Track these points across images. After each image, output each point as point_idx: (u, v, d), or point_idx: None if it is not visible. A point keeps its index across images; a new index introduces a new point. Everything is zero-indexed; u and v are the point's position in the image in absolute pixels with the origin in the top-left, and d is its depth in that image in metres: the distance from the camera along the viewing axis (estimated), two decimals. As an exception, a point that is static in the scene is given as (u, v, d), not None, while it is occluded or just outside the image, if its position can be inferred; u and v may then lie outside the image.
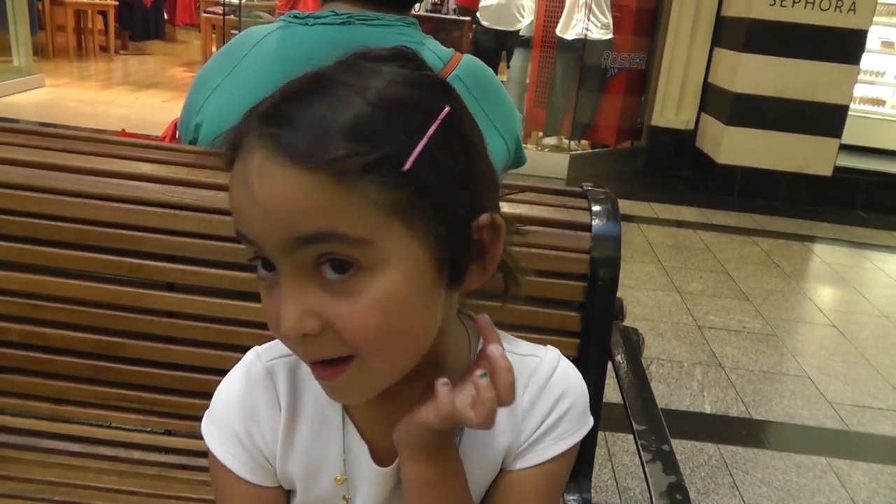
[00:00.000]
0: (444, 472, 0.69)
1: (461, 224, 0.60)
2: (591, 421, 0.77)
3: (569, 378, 0.75)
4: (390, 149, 0.55)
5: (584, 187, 1.21)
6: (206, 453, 0.74)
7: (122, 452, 1.21)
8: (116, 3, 9.65)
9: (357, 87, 0.56)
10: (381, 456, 0.72)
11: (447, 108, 0.59)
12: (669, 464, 0.91)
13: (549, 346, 0.78)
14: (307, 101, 0.57)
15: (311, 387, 0.72)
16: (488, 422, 0.63)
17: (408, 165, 0.55)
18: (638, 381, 1.11)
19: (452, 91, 0.62)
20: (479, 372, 0.64)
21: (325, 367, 0.60)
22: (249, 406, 0.72)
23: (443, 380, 0.64)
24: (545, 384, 0.74)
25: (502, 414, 0.70)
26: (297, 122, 0.55)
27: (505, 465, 0.75)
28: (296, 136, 0.55)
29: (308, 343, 0.58)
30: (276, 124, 0.56)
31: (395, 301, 0.57)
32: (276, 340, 0.75)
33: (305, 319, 0.57)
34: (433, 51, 1.23)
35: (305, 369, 0.72)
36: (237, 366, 0.75)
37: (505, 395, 0.63)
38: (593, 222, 1.14)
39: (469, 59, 1.25)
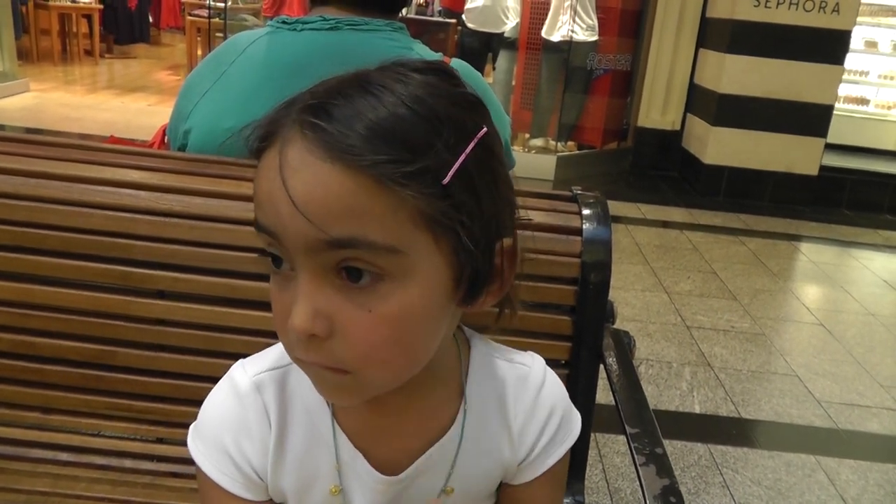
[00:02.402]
0: None
1: (487, 245, 0.60)
2: (578, 417, 0.79)
3: (554, 391, 0.77)
4: (431, 161, 0.54)
5: (574, 191, 1.21)
6: (198, 461, 0.73)
7: (114, 461, 1.19)
8: (101, 6, 9.61)
9: (402, 94, 0.55)
10: (379, 464, 0.71)
11: (484, 129, 0.59)
12: (663, 467, 0.92)
13: (533, 354, 0.79)
14: (352, 99, 0.55)
15: (301, 399, 0.71)
16: None
17: (447, 179, 0.55)
18: (630, 384, 1.11)
19: (486, 111, 0.62)
20: None
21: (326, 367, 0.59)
22: (238, 422, 0.70)
23: None
24: (536, 398, 0.75)
25: (502, 434, 0.73)
26: (344, 118, 0.54)
27: (507, 478, 0.77)
28: (341, 132, 0.53)
29: (311, 344, 0.57)
30: (322, 117, 0.54)
31: (410, 316, 0.57)
32: (262, 352, 0.74)
33: (317, 319, 0.56)
34: (422, 55, 1.23)
35: (294, 382, 0.72)
36: (223, 380, 0.73)
37: None
38: (584, 226, 1.15)
39: (458, 64, 1.26)
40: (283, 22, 1.22)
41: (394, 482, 0.71)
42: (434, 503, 0.74)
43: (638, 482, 0.91)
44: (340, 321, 0.56)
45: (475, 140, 0.57)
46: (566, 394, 0.78)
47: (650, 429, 1.00)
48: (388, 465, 0.71)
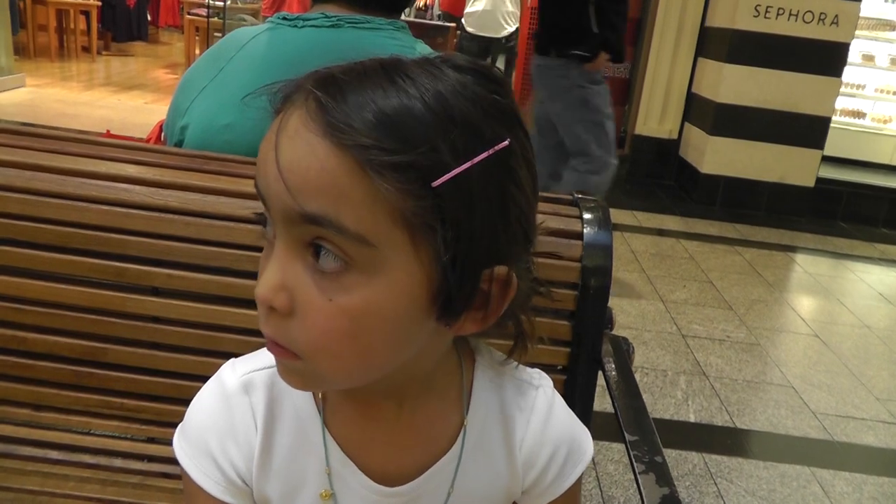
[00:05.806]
0: None
1: (470, 266, 0.55)
2: (588, 437, 0.76)
3: (562, 420, 0.74)
4: (423, 157, 0.51)
5: (575, 195, 1.20)
6: (188, 462, 0.71)
7: (104, 460, 1.17)
8: (99, 3, 9.58)
9: (420, 84, 0.53)
10: (372, 474, 0.69)
11: (505, 142, 0.55)
12: (662, 475, 0.90)
13: (540, 372, 0.76)
14: (363, 78, 0.54)
15: (290, 401, 0.69)
16: None
17: (437, 182, 0.52)
18: (629, 390, 1.10)
19: (518, 126, 0.58)
20: None
21: (278, 347, 0.58)
22: (224, 423, 0.68)
23: None
24: (543, 430, 0.73)
25: (504, 458, 0.72)
26: (344, 95, 0.53)
27: (517, 500, 0.75)
28: (337, 108, 0.52)
29: (271, 318, 0.56)
30: (325, 90, 0.53)
31: (371, 315, 0.55)
32: (255, 352, 0.72)
33: (280, 292, 0.55)
34: (424, 55, 1.22)
35: (283, 383, 0.68)
36: (211, 380, 0.71)
37: None
38: (585, 230, 1.13)
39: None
40: (284, 18, 1.21)
41: (389, 494, 0.69)
42: None
43: (637, 490, 0.90)
44: (301, 301, 0.55)
45: (489, 151, 0.54)
46: (573, 417, 0.76)
47: (650, 437, 0.99)
48: (381, 476, 0.69)
